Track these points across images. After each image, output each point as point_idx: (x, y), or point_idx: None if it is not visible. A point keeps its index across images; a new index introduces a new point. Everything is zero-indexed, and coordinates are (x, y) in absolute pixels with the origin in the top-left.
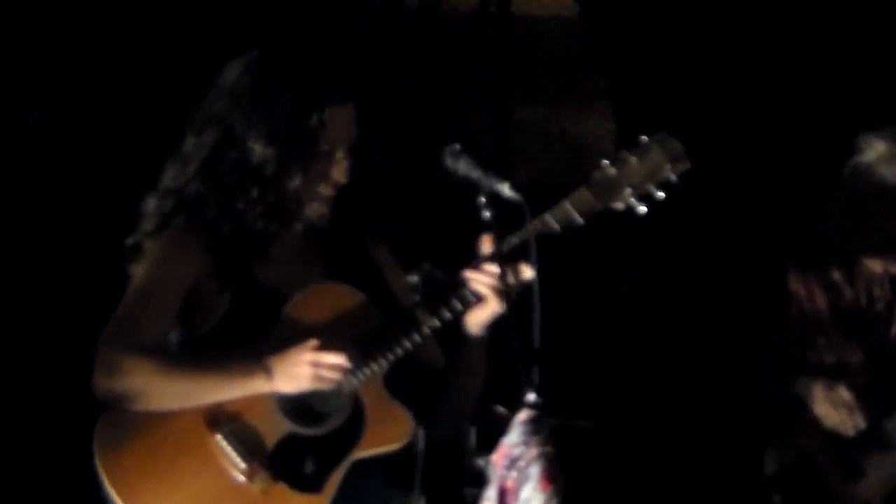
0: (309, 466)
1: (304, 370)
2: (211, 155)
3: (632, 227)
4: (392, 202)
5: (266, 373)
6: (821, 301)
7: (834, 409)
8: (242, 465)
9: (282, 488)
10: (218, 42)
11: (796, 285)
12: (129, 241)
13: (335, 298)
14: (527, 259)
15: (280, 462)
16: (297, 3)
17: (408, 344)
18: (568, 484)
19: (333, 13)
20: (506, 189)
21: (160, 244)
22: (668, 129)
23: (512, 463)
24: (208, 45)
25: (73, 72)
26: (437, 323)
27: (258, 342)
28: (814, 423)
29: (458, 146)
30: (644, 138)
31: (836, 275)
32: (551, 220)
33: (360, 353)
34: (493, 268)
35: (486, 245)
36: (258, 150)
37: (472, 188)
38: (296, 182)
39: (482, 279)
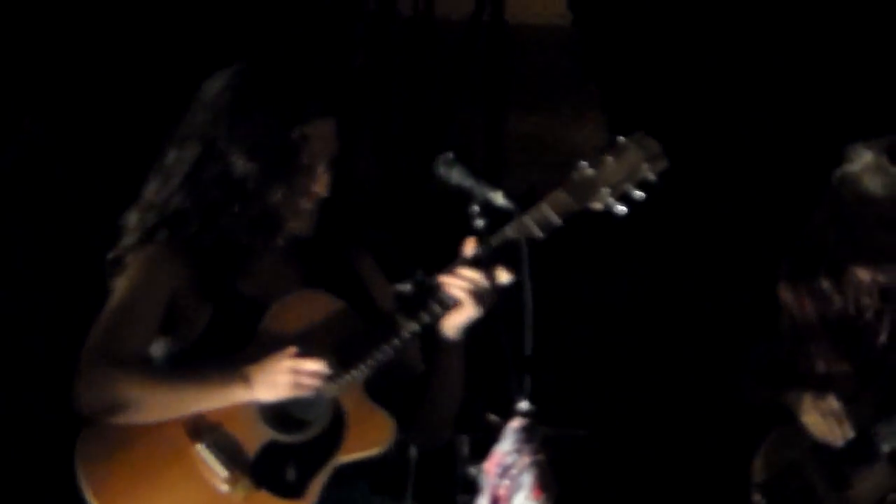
0: (291, 473)
1: (283, 378)
2: (193, 169)
3: (625, 234)
4: (385, 211)
5: (245, 382)
6: (810, 310)
7: (822, 419)
8: (224, 474)
9: (264, 495)
10: (209, 50)
11: (785, 294)
12: (111, 254)
13: (315, 306)
14: (506, 263)
15: (262, 469)
16: (288, 11)
17: (388, 349)
18: (560, 492)
19: (326, 21)
20: (499, 198)
21: (141, 259)
22: (660, 138)
23: (504, 471)
24: (200, 53)
25: (65, 78)
26: (416, 327)
27: (238, 352)
28: (802, 433)
29: (451, 155)
30: (621, 139)
31: (825, 284)
32: (529, 223)
33: (340, 359)
34: (470, 272)
35: (469, 248)
36: (240, 164)
37: (466, 197)
38: (277, 196)
39: (457, 283)
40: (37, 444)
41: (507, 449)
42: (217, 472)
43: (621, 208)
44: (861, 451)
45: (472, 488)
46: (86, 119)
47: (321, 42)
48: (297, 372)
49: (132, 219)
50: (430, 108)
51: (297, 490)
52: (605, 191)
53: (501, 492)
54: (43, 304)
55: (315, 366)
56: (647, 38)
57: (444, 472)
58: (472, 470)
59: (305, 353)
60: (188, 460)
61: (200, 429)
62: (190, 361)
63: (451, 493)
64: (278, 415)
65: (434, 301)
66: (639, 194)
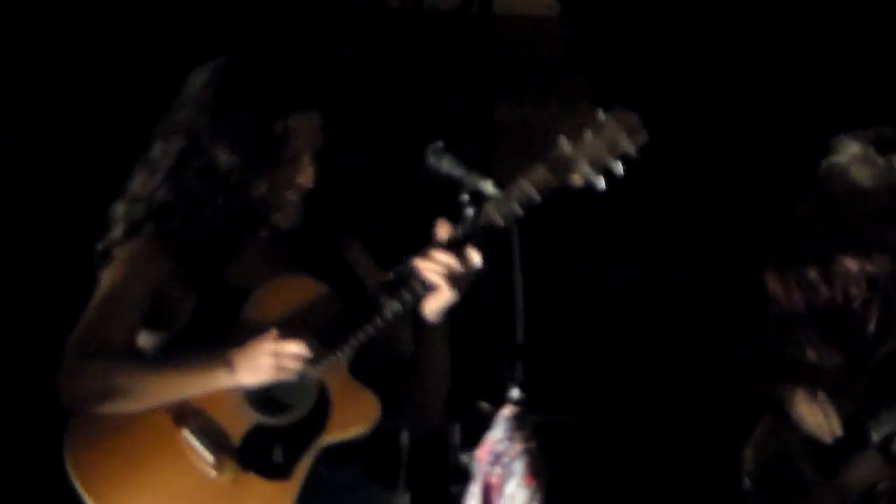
0: (277, 455)
1: (265, 361)
2: (177, 163)
3: (616, 223)
4: (375, 201)
5: (228, 366)
6: (798, 300)
7: (812, 415)
8: (210, 458)
9: (251, 477)
10: (197, 42)
11: (773, 284)
12: (99, 246)
13: (298, 290)
14: (495, 249)
15: (248, 452)
16: (277, 3)
17: (370, 329)
18: (552, 479)
19: (314, 12)
20: (488, 187)
21: (125, 253)
22: (650, 128)
23: (496, 459)
24: (187, 45)
25: (55, 70)
26: (397, 307)
27: (223, 339)
28: (792, 424)
29: (440, 144)
30: (600, 113)
31: (813, 274)
32: (509, 200)
33: (323, 341)
34: (443, 256)
35: (441, 231)
36: (223, 157)
37: (455, 186)
38: (262, 189)
39: (431, 267)
40: (26, 436)
41: (498, 437)
42: (203, 456)
43: (601, 182)
44: (851, 439)
45: (464, 476)
46: (75, 111)
47: (310, 33)
48: (278, 354)
49: (119, 211)
50: (420, 99)
51: (283, 471)
52: (585, 165)
53: (493, 479)
54: (31, 294)
55: (296, 348)
56: (635, 28)
57: (436, 460)
58: (464, 458)
59: (287, 335)
60: (174, 447)
61: (186, 415)
62: (174, 350)
63: (443, 480)
64: (264, 398)
65: (416, 280)
66: (619, 168)
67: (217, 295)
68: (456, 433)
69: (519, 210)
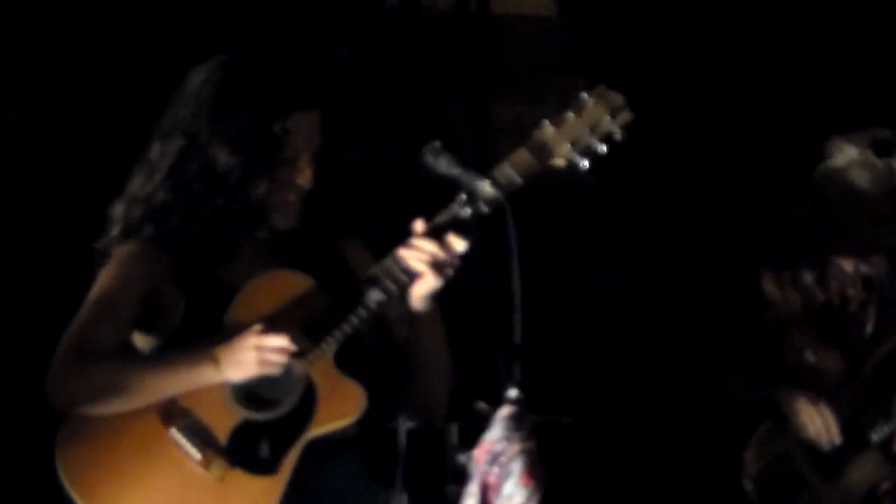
0: (264, 450)
1: (249, 356)
2: (176, 163)
3: (613, 224)
4: (372, 200)
5: (214, 363)
6: (795, 302)
7: (812, 423)
8: (197, 456)
9: (238, 473)
10: (193, 41)
11: (770, 287)
12: (98, 245)
13: (284, 285)
14: (463, 232)
15: (236, 449)
16: (274, 2)
17: (354, 320)
18: (550, 479)
19: (311, 11)
20: (486, 186)
21: (121, 254)
22: (646, 128)
23: (494, 459)
24: (184, 44)
25: (53, 66)
26: (381, 296)
27: (211, 336)
28: (791, 429)
29: (437, 143)
30: (583, 94)
31: (809, 276)
32: (491, 185)
33: (309, 334)
34: (425, 243)
35: (419, 225)
36: (222, 157)
37: (453, 185)
38: (261, 189)
39: (414, 255)
40: (18, 437)
41: (496, 437)
42: (191, 454)
43: (584, 163)
44: (851, 440)
45: (462, 476)
46: (71, 109)
47: (306, 32)
48: (261, 349)
49: (118, 210)
50: (417, 98)
51: (270, 466)
52: (567, 147)
53: (491, 479)
54: (27, 292)
55: (279, 342)
56: (633, 27)
57: (434, 459)
58: (462, 458)
59: (272, 330)
60: (162, 446)
61: (173, 414)
62: (163, 349)
63: (441, 480)
64: (251, 394)
65: (399, 269)
66: (602, 148)
67: (207, 294)
68: (454, 433)
69: (501, 195)
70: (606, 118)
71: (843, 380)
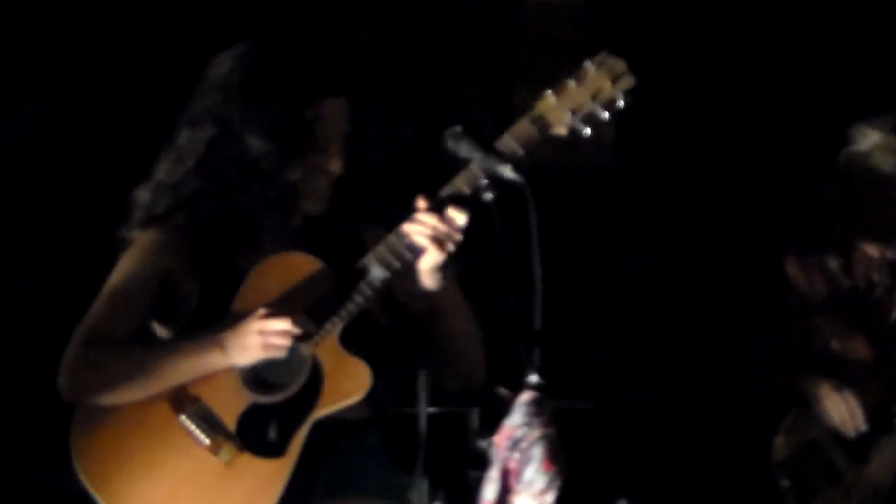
0: (272, 433)
1: (253, 340)
2: (208, 151)
3: (636, 209)
4: (393, 185)
5: (220, 347)
6: (820, 288)
7: (837, 410)
8: (206, 442)
9: (247, 457)
10: (214, 25)
11: (795, 273)
12: (121, 231)
13: (291, 267)
14: (462, 207)
15: (245, 433)
16: None
17: (359, 299)
18: (570, 465)
19: None
20: (507, 171)
21: (143, 241)
22: (668, 114)
23: (514, 444)
24: (205, 29)
25: (73, 55)
26: (386, 274)
27: (222, 320)
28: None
29: (458, 128)
30: (586, 62)
31: (834, 261)
32: (494, 158)
33: (314, 315)
34: (427, 218)
35: (421, 203)
36: (255, 144)
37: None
38: (294, 175)
39: (417, 230)
40: (35, 427)
41: (517, 422)
42: (200, 440)
43: (587, 130)
44: (879, 425)
45: (483, 461)
46: (93, 93)
47: (328, 17)
48: (264, 332)
49: (142, 196)
50: (438, 82)
51: (278, 448)
52: (568, 115)
53: (512, 465)
54: (45, 278)
55: (282, 324)
56: (654, 12)
57: (455, 445)
58: (483, 443)
59: (277, 312)
60: (173, 433)
61: (183, 400)
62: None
63: (462, 466)
64: (259, 378)
65: (403, 246)
66: (605, 115)
67: (222, 281)
68: (474, 418)
69: (522, 179)
70: (608, 84)
71: (869, 366)
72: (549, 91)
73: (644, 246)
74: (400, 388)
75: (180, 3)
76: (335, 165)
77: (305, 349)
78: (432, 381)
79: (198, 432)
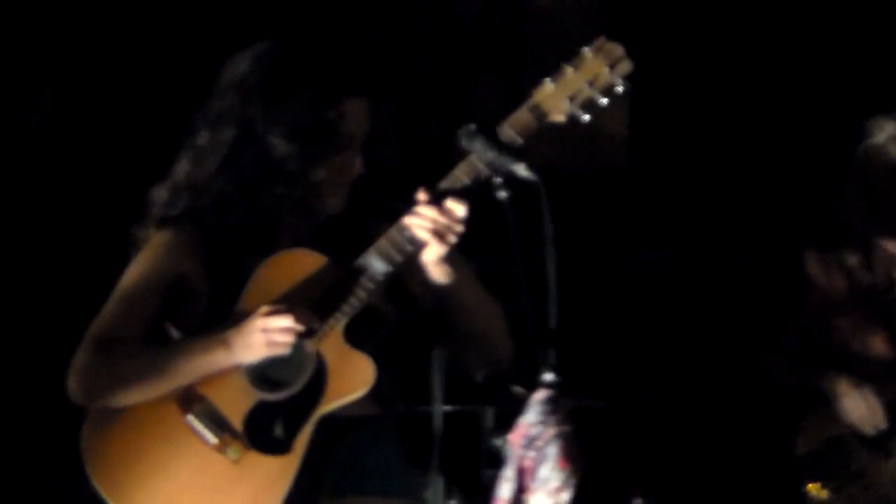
0: (278, 430)
1: (257, 338)
2: (231, 153)
3: (652, 207)
4: (407, 183)
5: (226, 346)
6: (840, 285)
7: (856, 407)
8: (213, 440)
9: (253, 455)
10: (227, 24)
11: (815, 269)
12: (134, 230)
13: (296, 264)
14: (460, 198)
15: (251, 431)
16: None
17: (361, 293)
18: (586, 463)
19: None
20: (521, 169)
21: (157, 241)
22: (684, 111)
23: (530, 442)
24: (218, 28)
25: (88, 52)
26: (388, 268)
27: (228, 318)
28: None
29: (472, 126)
30: (584, 48)
31: (854, 258)
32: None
33: (318, 311)
34: (427, 211)
35: (421, 195)
36: (279, 146)
37: (488, 168)
38: (319, 176)
39: (417, 223)
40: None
41: (531, 420)
42: (207, 439)
43: (585, 117)
44: None
45: (498, 460)
46: (107, 93)
47: (341, 15)
48: (267, 330)
49: (160, 196)
50: (451, 79)
51: (284, 445)
52: (566, 102)
53: (527, 463)
54: (61, 276)
55: (284, 322)
56: (669, 8)
57: (470, 443)
58: (498, 441)
59: (280, 310)
60: (181, 433)
61: (191, 400)
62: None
63: (477, 464)
64: (265, 375)
65: (404, 239)
66: (603, 101)
67: (232, 281)
68: (489, 417)
69: (537, 178)
70: (605, 70)
71: (889, 363)
72: (548, 79)
73: (659, 244)
74: (413, 385)
75: (193, 3)
76: (357, 165)
77: (310, 345)
78: (460, 366)
79: (205, 432)
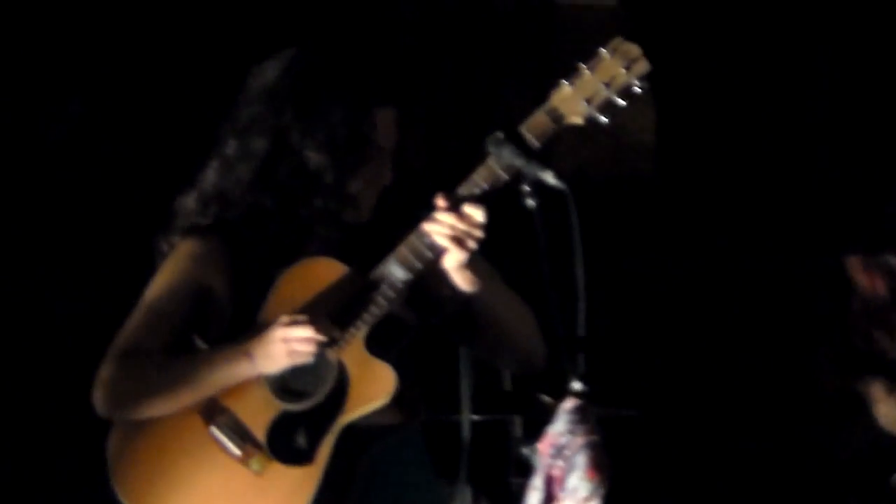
0: (301, 440)
1: (278, 348)
2: (265, 164)
3: (689, 214)
4: (434, 191)
5: (248, 356)
6: (882, 290)
7: (890, 412)
8: (237, 452)
9: (276, 466)
10: (252, 32)
11: (857, 274)
12: (159, 238)
13: (317, 273)
14: (479, 203)
15: (275, 441)
16: None
17: (383, 301)
18: (615, 473)
19: (373, 3)
20: (549, 177)
21: (183, 251)
22: (710, 118)
23: (558, 451)
24: (245, 33)
25: (115, 60)
26: (408, 275)
27: (251, 328)
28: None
29: (500, 134)
30: (600, 49)
31: None
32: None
33: (338, 320)
34: (445, 217)
35: (440, 200)
36: (314, 157)
37: (516, 176)
38: (355, 187)
39: (436, 230)
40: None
41: (560, 429)
42: (230, 451)
43: (604, 119)
44: None
45: (526, 469)
46: (134, 101)
47: (369, 22)
48: (288, 340)
49: (188, 204)
50: (480, 88)
51: (307, 456)
52: (583, 104)
53: (555, 472)
54: (86, 285)
55: (305, 331)
56: (695, 18)
57: (498, 452)
58: (526, 450)
59: (301, 319)
60: (205, 445)
61: (214, 412)
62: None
63: (505, 473)
64: (287, 386)
65: (424, 246)
66: (621, 103)
67: (253, 288)
68: (518, 426)
69: (565, 186)
70: (622, 71)
71: None
72: (565, 81)
73: (686, 253)
74: (438, 393)
75: (218, 11)
76: (387, 175)
77: (331, 355)
78: (494, 366)
79: (229, 443)
